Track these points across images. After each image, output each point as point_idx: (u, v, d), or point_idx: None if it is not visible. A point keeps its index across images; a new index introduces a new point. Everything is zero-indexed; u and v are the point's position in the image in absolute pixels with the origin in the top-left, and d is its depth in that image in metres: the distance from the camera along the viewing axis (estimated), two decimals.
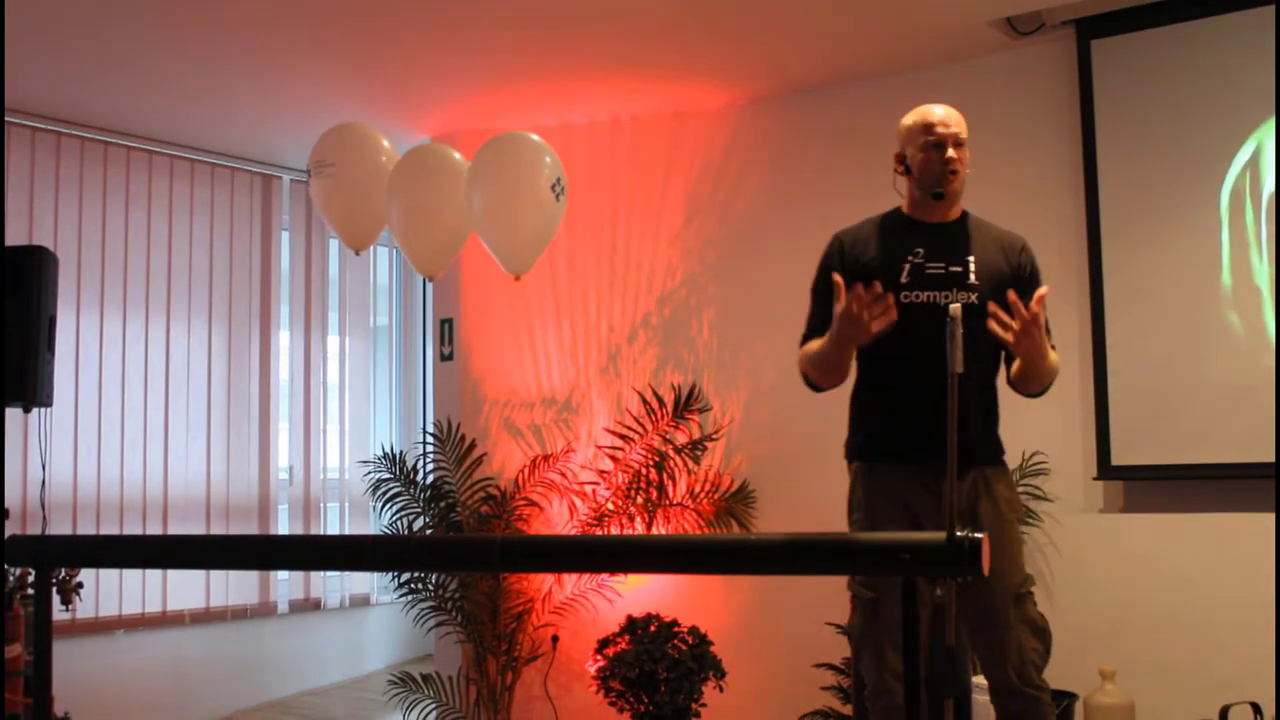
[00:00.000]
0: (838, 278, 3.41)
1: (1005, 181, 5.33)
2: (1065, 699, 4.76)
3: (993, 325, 3.34)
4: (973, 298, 3.48)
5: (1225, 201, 4.88)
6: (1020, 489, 5.04)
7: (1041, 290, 3.41)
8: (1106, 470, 5.06)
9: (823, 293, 3.62)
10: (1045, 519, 5.15)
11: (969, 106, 5.47)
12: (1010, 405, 5.29)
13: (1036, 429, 5.19)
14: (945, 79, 5.55)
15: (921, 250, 3.55)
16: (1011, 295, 3.35)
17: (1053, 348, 3.51)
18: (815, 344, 3.53)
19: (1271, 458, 4.66)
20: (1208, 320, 4.89)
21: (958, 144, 3.60)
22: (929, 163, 3.58)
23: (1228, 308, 4.84)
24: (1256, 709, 4.50)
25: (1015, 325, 3.32)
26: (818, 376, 3.57)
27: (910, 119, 3.67)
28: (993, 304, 3.38)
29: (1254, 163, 4.83)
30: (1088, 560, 5.16)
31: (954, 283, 3.52)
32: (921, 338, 3.37)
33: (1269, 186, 4.78)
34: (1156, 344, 4.98)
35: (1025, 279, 3.59)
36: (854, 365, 3.57)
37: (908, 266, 3.52)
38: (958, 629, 3.50)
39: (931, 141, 3.57)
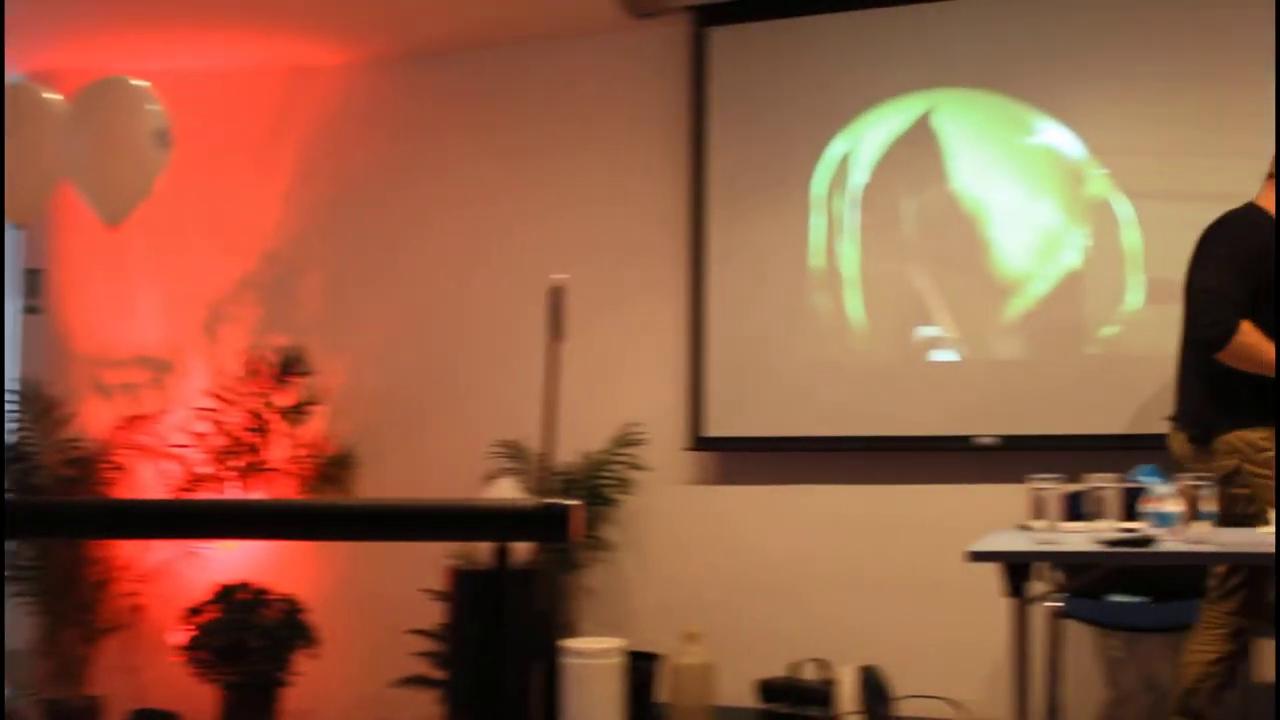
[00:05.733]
0: None
1: (619, 158, 5.53)
2: (650, 660, 4.95)
3: None
4: None
5: (820, 190, 5.19)
6: (616, 459, 5.24)
7: None
8: (700, 441, 5.29)
9: (1251, 270, 3.74)
10: (642, 488, 5.33)
11: (586, 82, 5.65)
12: (610, 377, 5.48)
13: (636, 401, 5.39)
14: (565, 53, 5.65)
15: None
16: None
17: None
18: (1256, 344, 3.68)
19: (848, 431, 5.09)
20: (797, 300, 5.21)
21: None
22: None
23: (816, 289, 5.17)
24: (821, 664, 4.85)
25: None
26: (1254, 369, 3.71)
27: None
28: None
29: (848, 155, 5.17)
30: (678, 529, 5.38)
31: None
32: None
33: (858, 179, 5.14)
34: (751, 321, 5.26)
35: None
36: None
37: None
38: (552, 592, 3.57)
39: None
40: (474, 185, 5.78)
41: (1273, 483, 3.63)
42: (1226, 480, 3.71)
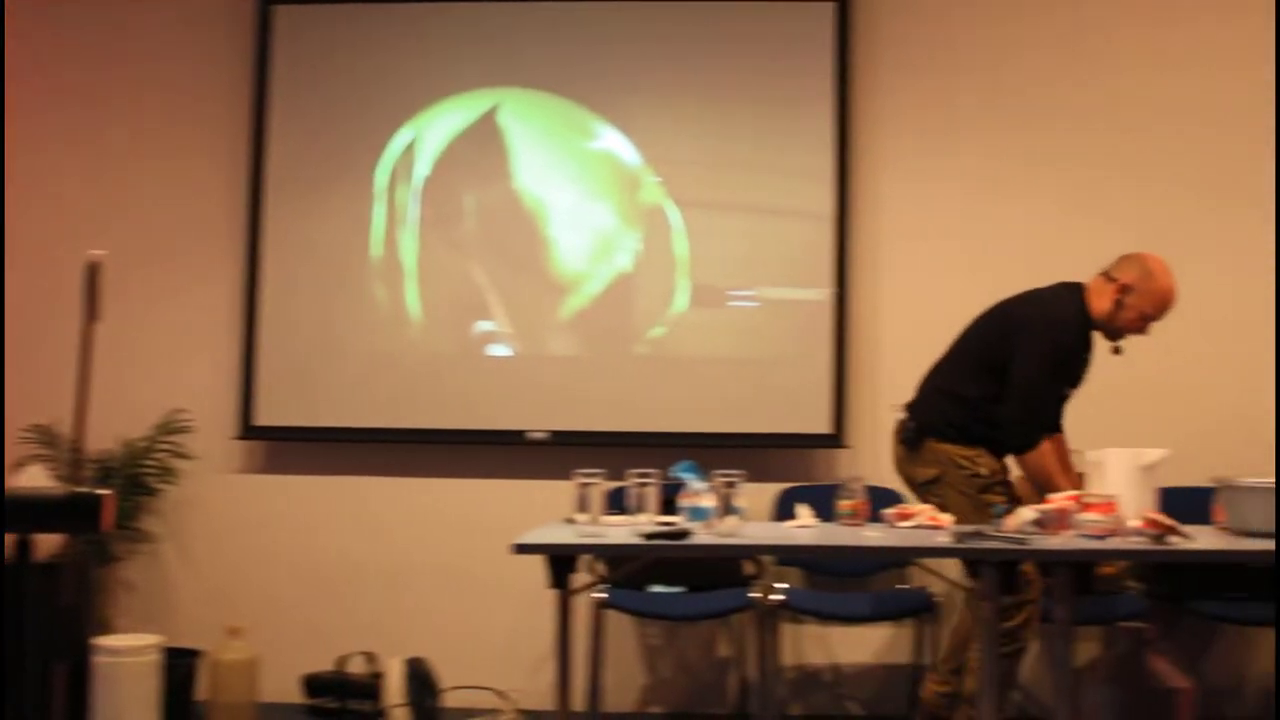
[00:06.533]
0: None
1: (174, 132, 5.35)
2: (190, 656, 4.77)
3: None
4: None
5: (383, 180, 5.16)
6: (160, 446, 5.02)
7: None
8: (250, 430, 5.14)
9: (1061, 369, 4.03)
10: (186, 477, 5.12)
11: (142, 49, 5.37)
12: (157, 362, 5.24)
13: (183, 386, 5.20)
14: (119, 12, 5.38)
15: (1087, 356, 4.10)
16: None
17: None
18: (1049, 465, 3.94)
19: (403, 424, 5.11)
20: (356, 290, 5.16)
21: None
22: (1134, 326, 4.00)
23: (375, 279, 5.14)
24: (370, 658, 4.82)
25: None
26: (1036, 481, 3.97)
27: (1166, 285, 3.95)
28: None
29: (412, 146, 5.16)
30: (224, 520, 5.22)
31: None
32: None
33: (421, 170, 5.15)
34: (307, 308, 5.16)
35: None
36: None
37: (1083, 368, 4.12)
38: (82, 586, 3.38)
39: (1153, 319, 3.98)
40: (8, 148, 5.38)
41: (963, 499, 3.96)
42: (924, 486, 4.05)
